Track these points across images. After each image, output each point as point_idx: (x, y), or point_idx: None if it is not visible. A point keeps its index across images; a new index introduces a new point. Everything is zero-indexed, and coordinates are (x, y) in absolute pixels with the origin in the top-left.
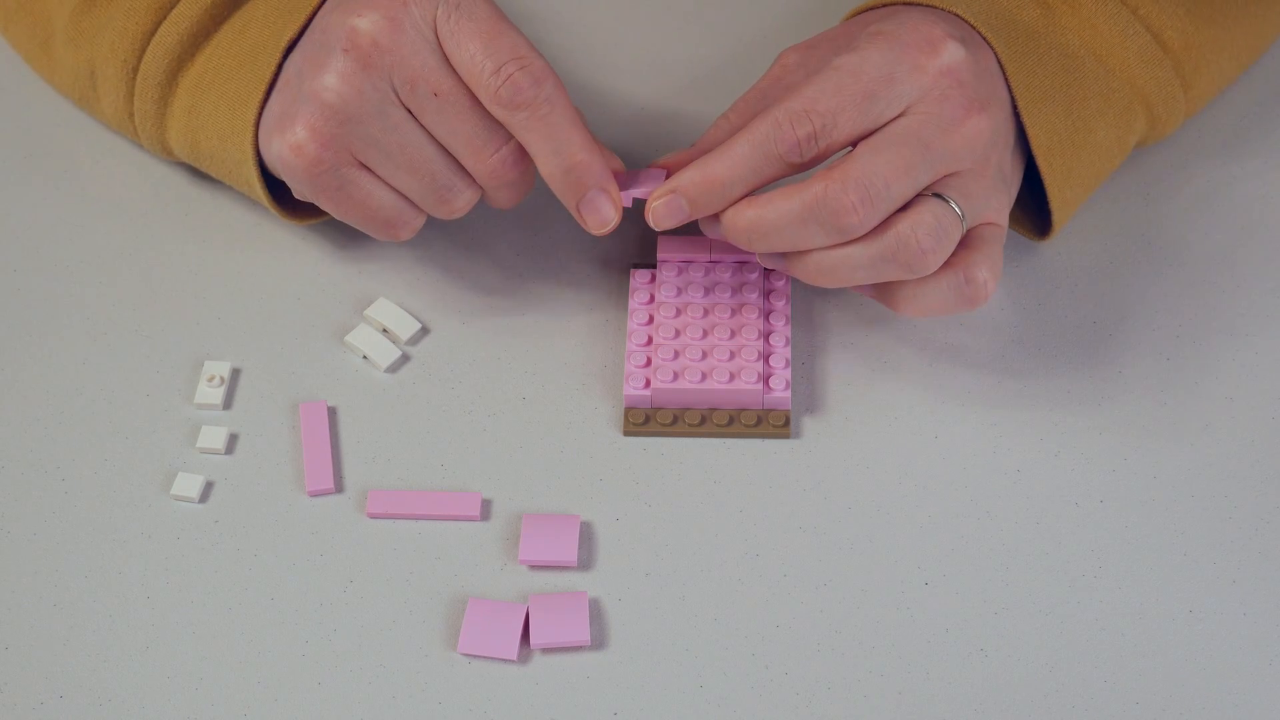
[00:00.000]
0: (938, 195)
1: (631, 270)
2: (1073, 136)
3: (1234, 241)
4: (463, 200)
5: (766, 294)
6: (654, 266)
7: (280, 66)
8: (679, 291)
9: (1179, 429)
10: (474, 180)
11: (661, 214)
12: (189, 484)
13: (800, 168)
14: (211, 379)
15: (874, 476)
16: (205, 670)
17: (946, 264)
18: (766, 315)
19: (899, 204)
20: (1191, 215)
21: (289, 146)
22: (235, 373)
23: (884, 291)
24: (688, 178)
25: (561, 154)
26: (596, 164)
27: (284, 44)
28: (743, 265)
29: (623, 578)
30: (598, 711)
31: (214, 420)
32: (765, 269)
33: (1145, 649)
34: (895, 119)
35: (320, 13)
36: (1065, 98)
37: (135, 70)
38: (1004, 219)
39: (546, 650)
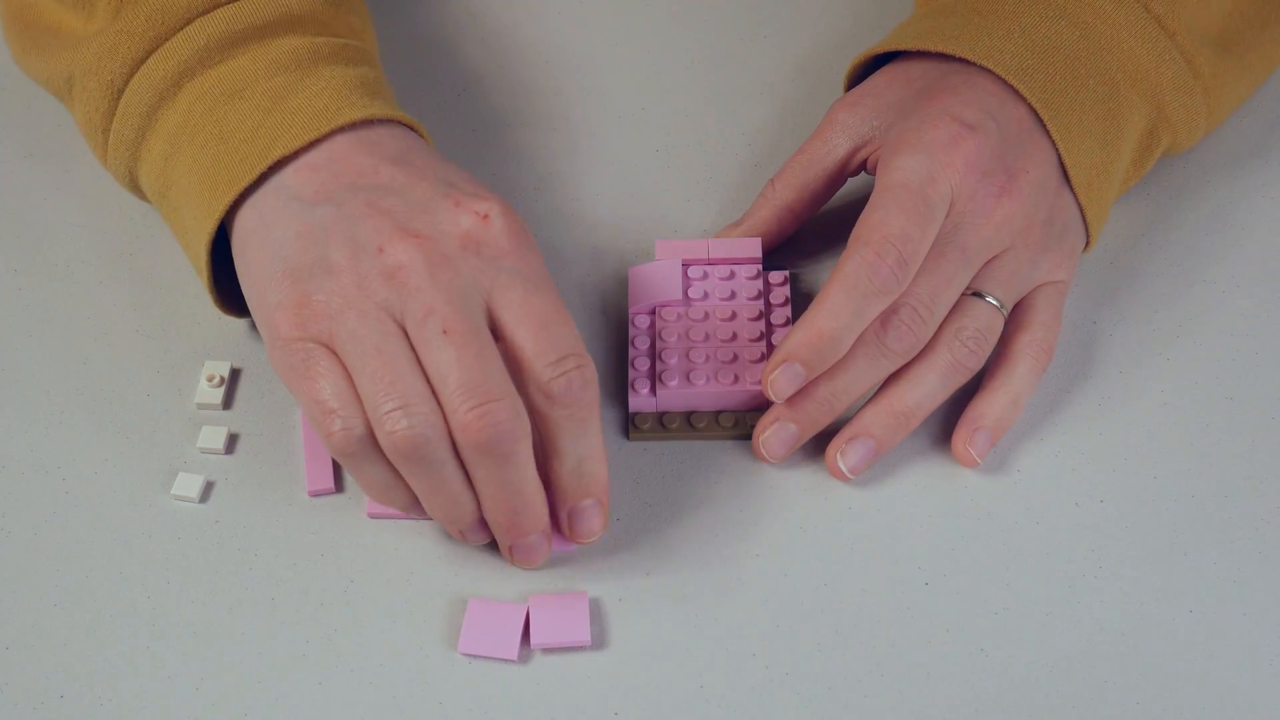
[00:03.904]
0: (976, 294)
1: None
2: (1107, 167)
3: (1234, 241)
4: (408, 423)
5: (766, 294)
6: None
7: (263, 175)
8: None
9: (1179, 429)
10: (435, 414)
11: (781, 384)
12: (189, 484)
13: (896, 294)
14: (211, 379)
15: (874, 476)
16: (205, 670)
17: (1009, 354)
18: (767, 315)
19: (945, 313)
20: (1192, 215)
21: (274, 300)
22: (235, 373)
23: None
24: (796, 341)
25: (581, 460)
26: (604, 477)
27: (272, 158)
28: (742, 266)
29: (623, 578)
30: (598, 711)
31: (214, 420)
32: (764, 270)
33: (1145, 649)
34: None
35: (313, 161)
36: (1101, 129)
37: (120, 93)
38: (1062, 273)
39: (546, 650)
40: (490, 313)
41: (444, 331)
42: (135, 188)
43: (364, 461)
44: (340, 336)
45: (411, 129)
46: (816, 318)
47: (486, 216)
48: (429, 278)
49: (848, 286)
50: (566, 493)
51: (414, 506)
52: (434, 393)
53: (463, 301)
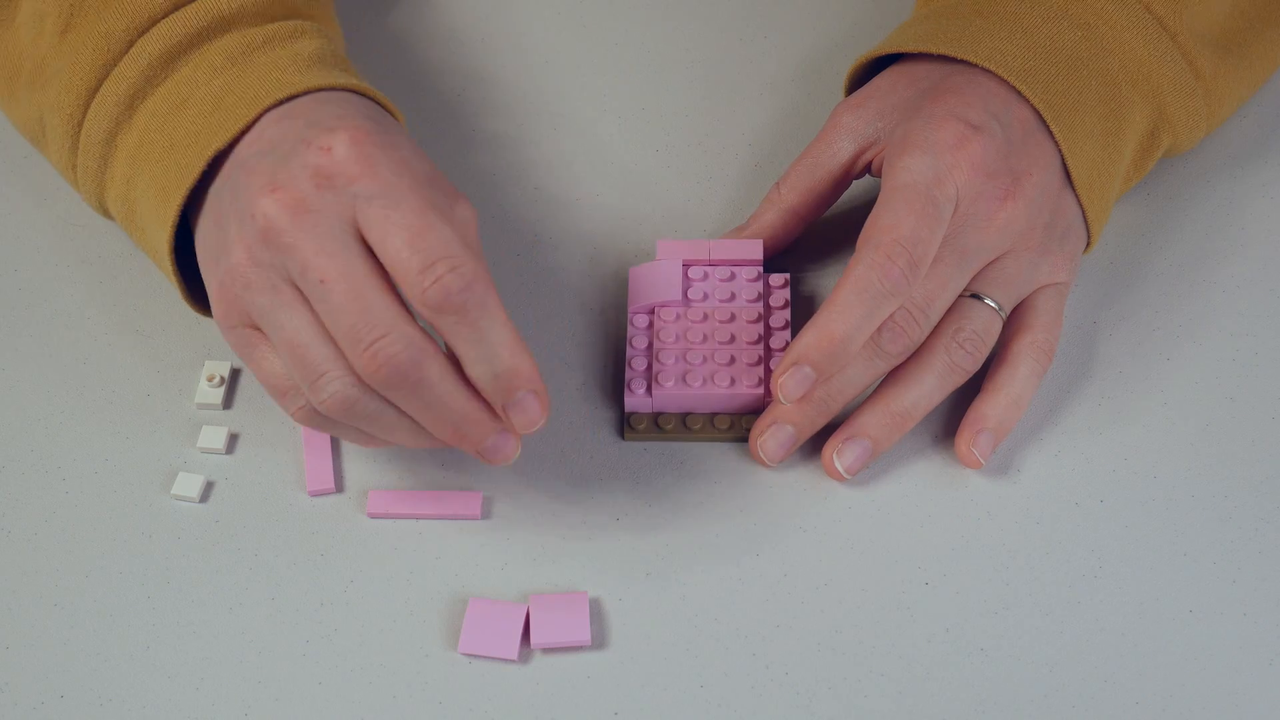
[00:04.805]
0: (975, 295)
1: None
2: (1108, 167)
3: (1235, 241)
4: (329, 391)
5: (766, 296)
6: None
7: (205, 172)
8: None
9: (1179, 429)
10: (348, 373)
11: (791, 388)
12: (189, 484)
13: (907, 296)
14: (211, 379)
15: (874, 476)
16: (205, 670)
17: (1009, 356)
18: (766, 318)
19: (940, 315)
20: (1192, 215)
21: (209, 293)
22: (235, 373)
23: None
24: (806, 344)
25: (490, 360)
26: (524, 366)
27: (209, 154)
28: (742, 267)
29: (623, 578)
30: (598, 711)
31: (214, 420)
32: (765, 272)
33: (1145, 649)
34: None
35: (248, 143)
36: (1102, 130)
37: (80, 126)
38: (1063, 274)
39: (546, 650)
40: (362, 240)
41: (320, 281)
42: (110, 217)
43: (333, 426)
44: (255, 316)
45: (351, 91)
46: (828, 320)
47: (328, 149)
48: (293, 229)
49: (859, 289)
50: (491, 396)
51: (416, 437)
52: None
53: (331, 242)
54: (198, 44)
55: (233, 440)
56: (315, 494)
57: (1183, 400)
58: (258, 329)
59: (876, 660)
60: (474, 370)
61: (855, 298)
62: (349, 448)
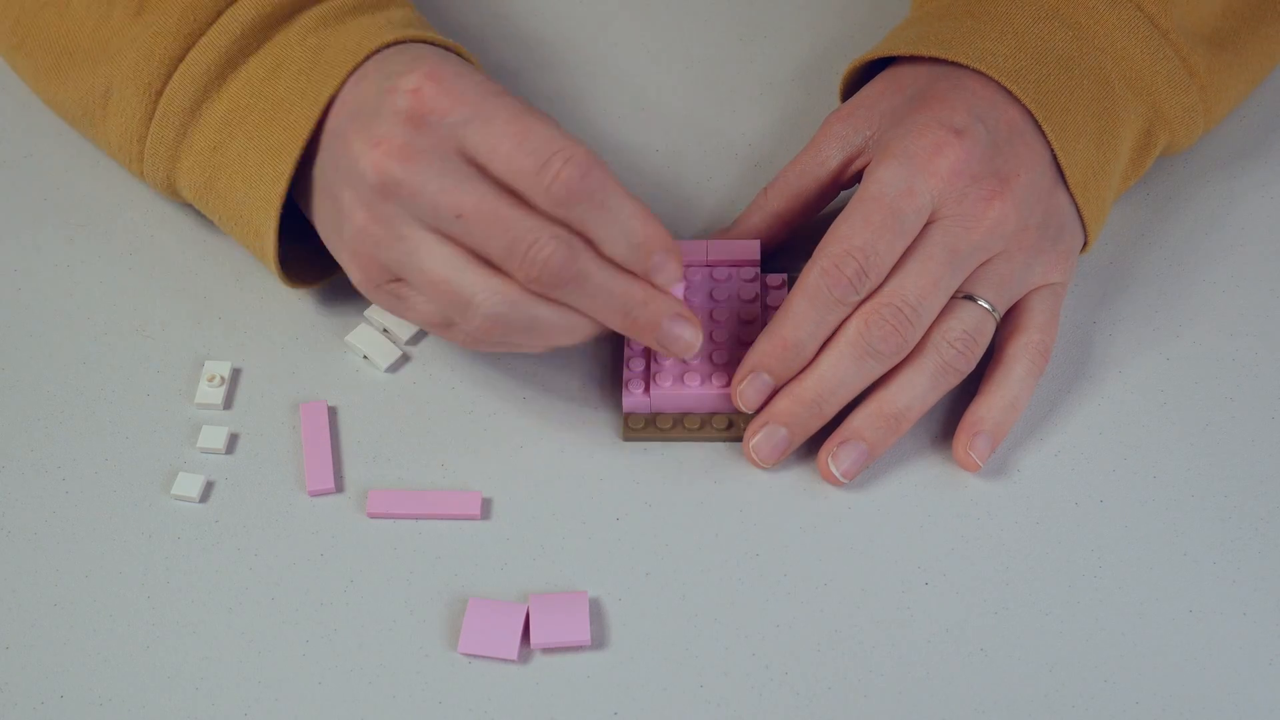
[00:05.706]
0: (968, 297)
1: None
2: (1104, 166)
3: (1234, 241)
4: (481, 315)
5: (764, 297)
6: None
7: (319, 123)
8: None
9: (1179, 429)
10: (494, 292)
11: (750, 395)
12: (189, 484)
13: (861, 303)
14: (212, 379)
15: (873, 477)
16: (205, 670)
17: (1004, 358)
18: (763, 318)
19: (934, 316)
20: (1191, 214)
21: (343, 264)
22: (235, 373)
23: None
24: (761, 350)
25: (627, 234)
26: (657, 230)
27: (322, 102)
28: (740, 268)
29: (623, 578)
30: (598, 711)
31: (214, 420)
32: (762, 272)
33: (1145, 649)
34: (925, 225)
35: (334, 113)
36: (1096, 129)
37: (159, 94)
38: (1057, 274)
39: (546, 650)
40: (474, 164)
41: (457, 216)
42: (171, 190)
43: (499, 345)
44: (394, 269)
45: (446, 48)
46: (780, 327)
47: (415, 90)
48: (409, 176)
49: (809, 296)
50: (633, 268)
51: (574, 332)
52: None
53: (448, 177)
54: (289, 16)
55: (233, 440)
56: (315, 494)
57: (1182, 400)
58: (399, 280)
59: (876, 660)
60: (614, 249)
61: (806, 304)
62: (349, 449)
